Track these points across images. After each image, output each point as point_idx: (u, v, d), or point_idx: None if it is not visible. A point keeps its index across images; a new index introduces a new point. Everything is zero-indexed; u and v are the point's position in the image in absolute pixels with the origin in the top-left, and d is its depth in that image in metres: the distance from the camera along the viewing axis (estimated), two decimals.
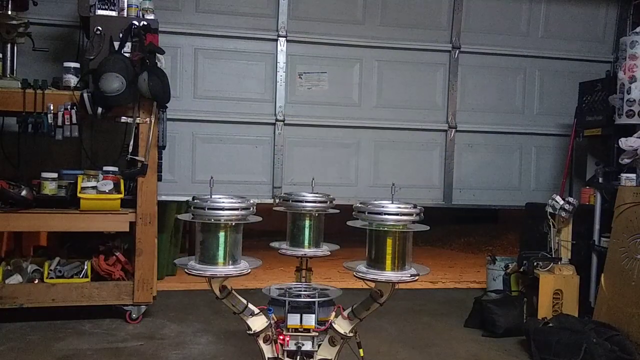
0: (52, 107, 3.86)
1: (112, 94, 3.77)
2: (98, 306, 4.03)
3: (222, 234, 2.36)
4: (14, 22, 4.05)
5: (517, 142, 5.75)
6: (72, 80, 4.06)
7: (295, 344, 2.55)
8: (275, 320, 2.59)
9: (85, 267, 4.02)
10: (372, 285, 2.42)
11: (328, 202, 2.90)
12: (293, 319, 2.56)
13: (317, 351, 2.56)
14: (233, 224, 2.37)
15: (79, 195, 3.89)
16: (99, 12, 4.04)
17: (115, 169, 4.06)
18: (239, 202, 2.36)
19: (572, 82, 5.48)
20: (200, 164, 5.09)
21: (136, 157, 4.00)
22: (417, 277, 2.35)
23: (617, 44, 5.14)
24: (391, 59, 5.48)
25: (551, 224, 4.39)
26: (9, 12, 4.05)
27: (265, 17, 5.21)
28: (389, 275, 2.33)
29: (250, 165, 5.22)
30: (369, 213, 2.32)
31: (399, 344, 3.86)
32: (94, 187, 3.93)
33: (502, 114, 5.71)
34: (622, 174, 4.16)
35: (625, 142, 4.20)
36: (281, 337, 2.54)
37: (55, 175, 4.01)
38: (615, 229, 4.00)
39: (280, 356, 2.55)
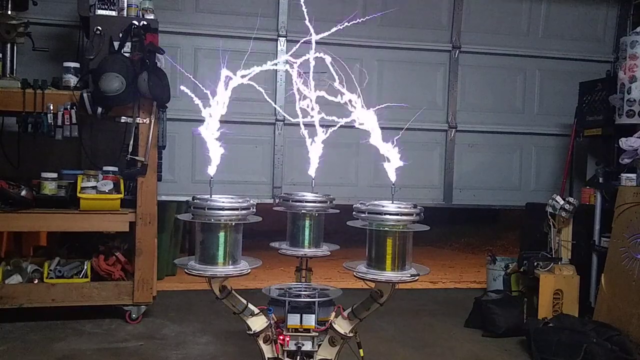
0: (52, 107, 3.86)
1: (112, 93, 3.77)
2: (98, 306, 4.03)
3: (222, 234, 2.36)
4: (14, 22, 4.04)
5: (517, 142, 5.75)
6: (72, 80, 4.06)
7: (295, 344, 2.55)
8: (275, 320, 2.59)
9: (85, 267, 4.01)
10: (372, 285, 2.41)
11: (328, 202, 2.90)
12: (293, 319, 2.56)
13: (317, 351, 2.56)
14: (233, 224, 2.37)
15: (78, 195, 3.89)
16: (99, 12, 4.04)
17: (115, 169, 4.05)
18: (239, 202, 2.36)
19: (572, 82, 5.47)
20: (200, 164, 5.09)
21: (136, 157, 4.00)
22: (417, 277, 2.34)
23: (618, 43, 5.13)
24: (391, 59, 5.47)
25: (551, 224, 4.39)
26: (9, 12, 4.06)
27: (265, 16, 5.21)
28: (389, 275, 2.33)
29: (250, 165, 5.21)
30: (369, 213, 2.32)
31: (399, 344, 3.86)
32: (93, 187, 3.93)
33: (502, 114, 5.70)
34: (622, 174, 4.16)
35: (625, 142, 4.19)
36: (281, 337, 2.54)
37: (55, 175, 4.01)
38: (615, 229, 4.00)
39: (280, 356, 2.54)
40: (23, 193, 3.87)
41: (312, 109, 2.76)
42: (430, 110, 5.55)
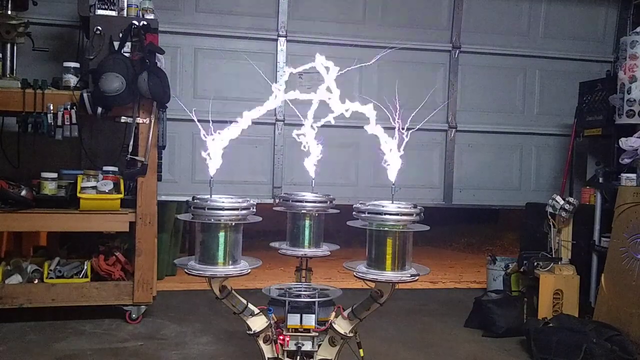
0: (51, 107, 3.86)
1: (112, 93, 3.77)
2: (98, 306, 4.03)
3: (222, 234, 2.36)
4: (14, 22, 4.04)
5: (517, 142, 5.75)
6: (72, 80, 4.06)
7: (295, 344, 2.55)
8: (275, 320, 2.59)
9: (85, 267, 4.01)
10: (372, 285, 2.41)
11: (328, 202, 2.90)
12: (293, 319, 2.56)
13: (317, 351, 2.56)
14: (233, 224, 2.37)
15: (78, 195, 3.89)
16: (99, 12, 4.04)
17: (115, 169, 4.05)
18: (239, 202, 2.36)
19: (572, 82, 5.48)
20: (200, 164, 5.08)
21: (136, 157, 4.00)
22: (417, 277, 2.34)
23: (618, 43, 5.14)
24: (391, 59, 5.47)
25: (551, 224, 4.39)
26: (9, 12, 4.05)
27: (265, 17, 5.21)
28: (389, 275, 2.33)
29: (250, 165, 5.21)
30: (369, 213, 2.32)
31: (399, 344, 3.86)
32: (93, 187, 3.93)
33: (502, 114, 5.70)
34: (622, 174, 4.16)
35: (625, 142, 4.20)
36: (281, 337, 2.54)
37: (55, 175, 4.01)
38: (615, 229, 4.00)
39: (280, 356, 2.54)
40: (23, 193, 3.87)
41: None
42: (430, 110, 5.54)
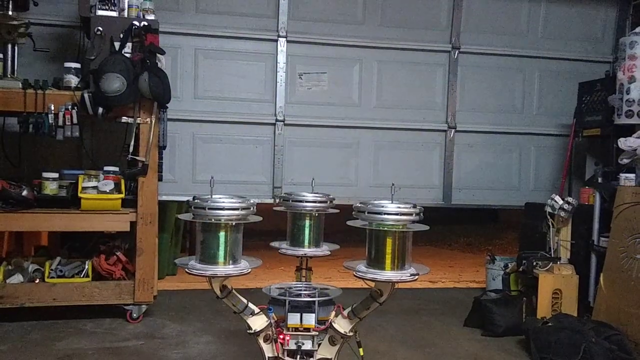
0: (52, 107, 3.87)
1: (113, 94, 3.78)
2: (99, 306, 4.04)
3: (222, 234, 2.38)
4: (15, 22, 4.06)
5: (517, 142, 5.75)
6: (73, 80, 4.07)
7: (295, 343, 2.56)
8: (276, 319, 2.60)
9: (86, 267, 4.03)
10: (372, 284, 2.43)
11: (328, 202, 2.92)
12: (293, 319, 2.57)
13: (317, 350, 2.57)
14: (233, 223, 2.38)
15: (79, 195, 3.90)
16: (100, 12, 4.05)
17: (116, 169, 4.07)
18: (239, 202, 2.38)
19: (572, 82, 5.49)
20: (200, 164, 5.10)
21: (137, 157, 4.02)
22: (416, 277, 2.36)
23: (617, 44, 5.15)
24: (391, 59, 5.48)
25: (550, 223, 4.40)
26: (10, 13, 4.07)
27: (265, 17, 5.22)
28: (388, 274, 2.35)
29: (250, 165, 5.22)
30: (368, 213, 2.33)
31: (399, 343, 3.87)
32: (94, 187, 3.94)
33: (502, 114, 5.71)
34: (621, 174, 4.17)
35: (624, 142, 4.21)
36: (281, 337, 2.56)
37: (56, 175, 4.02)
38: (614, 228, 4.01)
39: (280, 355, 2.56)
40: (24, 193, 3.88)
41: None
42: (430, 110, 5.56)
